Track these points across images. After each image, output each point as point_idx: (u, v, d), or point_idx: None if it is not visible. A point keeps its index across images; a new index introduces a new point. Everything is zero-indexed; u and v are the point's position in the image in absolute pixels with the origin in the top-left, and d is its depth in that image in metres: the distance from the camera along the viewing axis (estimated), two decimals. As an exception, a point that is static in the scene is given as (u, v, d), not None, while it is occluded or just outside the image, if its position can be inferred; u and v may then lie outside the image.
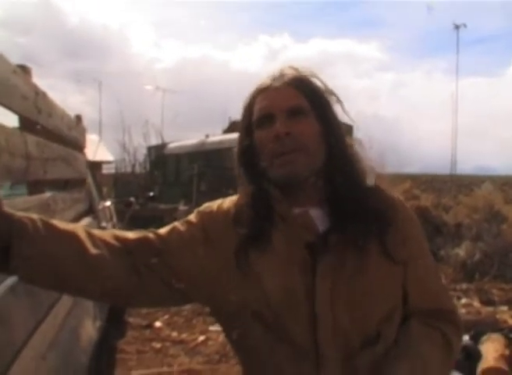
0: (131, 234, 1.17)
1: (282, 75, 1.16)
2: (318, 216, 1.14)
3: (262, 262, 1.11)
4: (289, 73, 1.17)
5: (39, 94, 1.96)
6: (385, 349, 1.10)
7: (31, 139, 1.78)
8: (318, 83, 1.18)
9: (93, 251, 1.09)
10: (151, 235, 1.17)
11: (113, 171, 16.38)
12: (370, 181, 1.19)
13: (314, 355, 1.08)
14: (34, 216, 1.08)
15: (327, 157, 1.14)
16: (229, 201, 1.22)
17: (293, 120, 1.11)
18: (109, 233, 1.16)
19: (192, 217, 1.21)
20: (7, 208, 1.04)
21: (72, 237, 1.09)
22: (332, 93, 1.19)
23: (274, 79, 1.16)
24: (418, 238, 1.21)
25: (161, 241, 1.16)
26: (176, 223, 1.21)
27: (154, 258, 1.13)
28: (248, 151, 1.18)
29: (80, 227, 1.15)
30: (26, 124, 1.87)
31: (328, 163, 1.15)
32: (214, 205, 1.23)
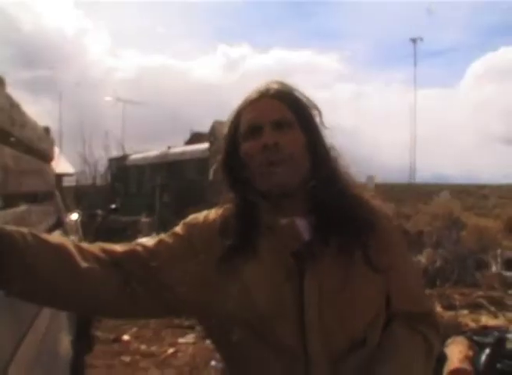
0: (119, 247, 1.18)
1: (267, 89, 1.21)
2: (304, 226, 1.17)
3: (249, 272, 1.14)
4: (275, 87, 1.21)
5: (14, 106, 1.94)
6: (370, 353, 1.14)
7: (7, 151, 1.76)
8: (302, 98, 1.23)
9: (83, 264, 1.10)
10: (138, 248, 1.18)
11: (74, 183, 16.05)
12: (353, 190, 1.23)
13: (304, 359, 1.11)
14: (24, 229, 1.08)
15: (312, 167, 1.18)
16: (214, 212, 1.24)
17: (280, 132, 1.16)
18: (97, 246, 1.17)
19: (178, 229, 1.23)
20: (-4, 222, 1.05)
21: (62, 250, 1.10)
22: (314, 106, 1.24)
23: (260, 92, 1.21)
24: (399, 245, 1.26)
25: (149, 254, 1.17)
26: (163, 236, 1.23)
27: (142, 272, 1.14)
28: (233, 162, 1.20)
29: (68, 241, 1.16)
30: (1, 136, 1.84)
31: (313, 174, 1.18)
32: (200, 216, 1.25)
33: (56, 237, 1.17)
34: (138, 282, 1.14)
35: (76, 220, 4.82)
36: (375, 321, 1.17)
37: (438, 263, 7.61)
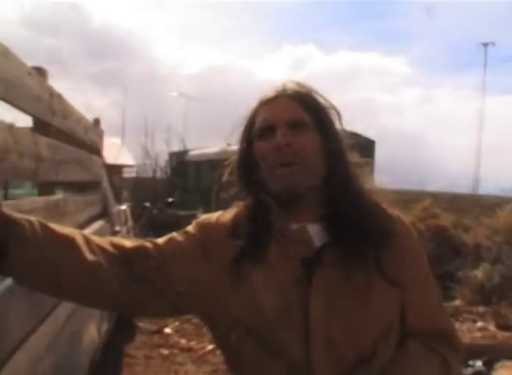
0: (128, 243, 1.17)
1: (284, 89, 1.18)
2: (315, 232, 1.13)
3: (258, 276, 1.11)
4: (292, 87, 1.18)
5: (54, 97, 1.98)
6: (380, 368, 1.08)
7: (43, 140, 1.80)
8: (320, 99, 1.18)
9: (90, 257, 1.09)
10: (148, 244, 1.17)
11: (134, 175, 16.50)
12: (369, 197, 1.17)
13: (306, 369, 1.06)
14: (33, 218, 1.08)
15: (327, 172, 1.14)
16: (228, 214, 1.22)
17: (294, 133, 1.12)
18: (107, 240, 1.17)
19: (190, 228, 1.21)
20: (6, 209, 1.05)
21: (69, 241, 1.09)
22: (333, 108, 1.19)
23: (276, 92, 1.18)
24: (417, 257, 1.19)
25: (158, 251, 1.16)
26: (174, 234, 1.21)
27: (150, 268, 1.13)
28: (248, 162, 1.18)
29: (78, 233, 1.15)
30: (40, 126, 1.88)
31: (327, 179, 1.14)
32: (213, 216, 1.23)
33: (66, 228, 1.17)
34: (145, 278, 1.12)
35: (125, 211, 4.91)
36: (386, 335, 1.10)
37: (495, 279, 7.23)
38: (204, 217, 1.24)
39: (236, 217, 1.19)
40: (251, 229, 1.14)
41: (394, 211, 1.20)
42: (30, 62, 1.64)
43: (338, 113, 1.19)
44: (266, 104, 1.18)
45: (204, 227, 1.20)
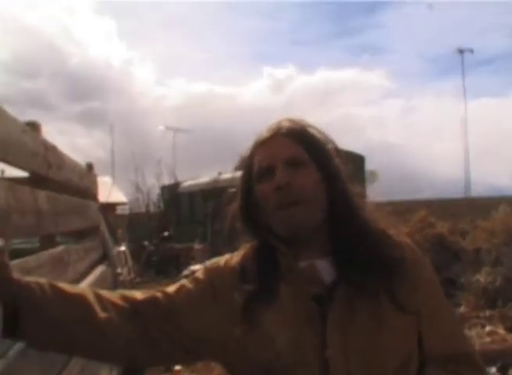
0: (139, 294, 1.18)
1: (279, 127, 1.18)
2: (324, 268, 1.12)
3: (271, 317, 1.10)
4: (286, 125, 1.18)
5: (48, 149, 2.00)
6: None
7: (41, 194, 1.81)
8: (316, 133, 1.19)
9: (102, 314, 1.09)
10: (159, 295, 1.18)
11: (127, 212, 16.48)
12: (375, 226, 1.17)
13: None
14: (42, 280, 1.10)
15: (330, 207, 1.14)
16: (236, 256, 1.22)
17: (293, 171, 1.12)
18: (118, 294, 1.18)
19: (199, 274, 1.22)
20: (15, 274, 1.06)
21: (80, 300, 1.10)
22: (330, 141, 1.20)
23: (271, 131, 1.18)
24: (430, 282, 1.18)
25: (169, 301, 1.16)
26: (184, 281, 1.22)
27: (163, 319, 1.14)
28: (250, 205, 1.18)
29: (88, 289, 1.16)
30: (37, 180, 1.90)
31: (331, 213, 1.14)
32: (221, 260, 1.23)
33: (75, 286, 1.18)
34: (158, 329, 1.13)
35: (124, 252, 4.90)
36: (406, 365, 1.09)
37: (498, 282, 7.23)
38: (212, 262, 1.24)
39: (243, 260, 1.19)
40: (260, 271, 1.14)
41: (402, 237, 1.20)
42: (11, 108, 1.63)
43: (335, 145, 1.20)
44: (262, 145, 1.18)
45: (213, 272, 1.20)
